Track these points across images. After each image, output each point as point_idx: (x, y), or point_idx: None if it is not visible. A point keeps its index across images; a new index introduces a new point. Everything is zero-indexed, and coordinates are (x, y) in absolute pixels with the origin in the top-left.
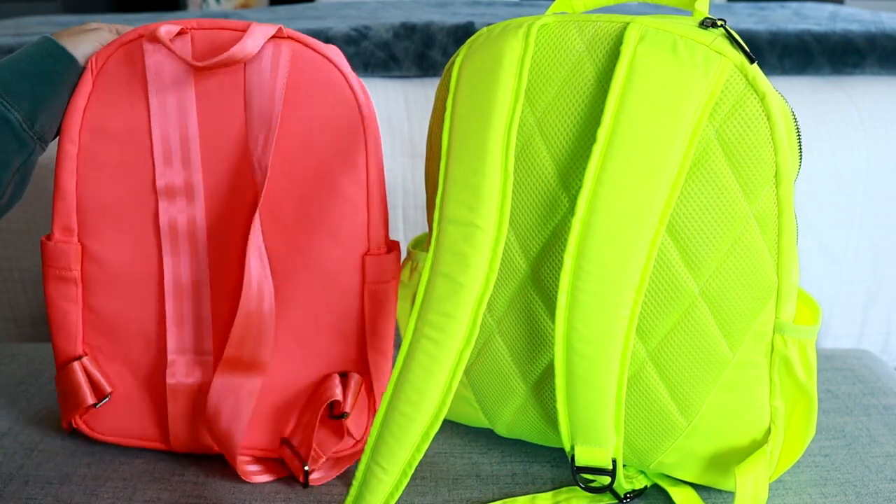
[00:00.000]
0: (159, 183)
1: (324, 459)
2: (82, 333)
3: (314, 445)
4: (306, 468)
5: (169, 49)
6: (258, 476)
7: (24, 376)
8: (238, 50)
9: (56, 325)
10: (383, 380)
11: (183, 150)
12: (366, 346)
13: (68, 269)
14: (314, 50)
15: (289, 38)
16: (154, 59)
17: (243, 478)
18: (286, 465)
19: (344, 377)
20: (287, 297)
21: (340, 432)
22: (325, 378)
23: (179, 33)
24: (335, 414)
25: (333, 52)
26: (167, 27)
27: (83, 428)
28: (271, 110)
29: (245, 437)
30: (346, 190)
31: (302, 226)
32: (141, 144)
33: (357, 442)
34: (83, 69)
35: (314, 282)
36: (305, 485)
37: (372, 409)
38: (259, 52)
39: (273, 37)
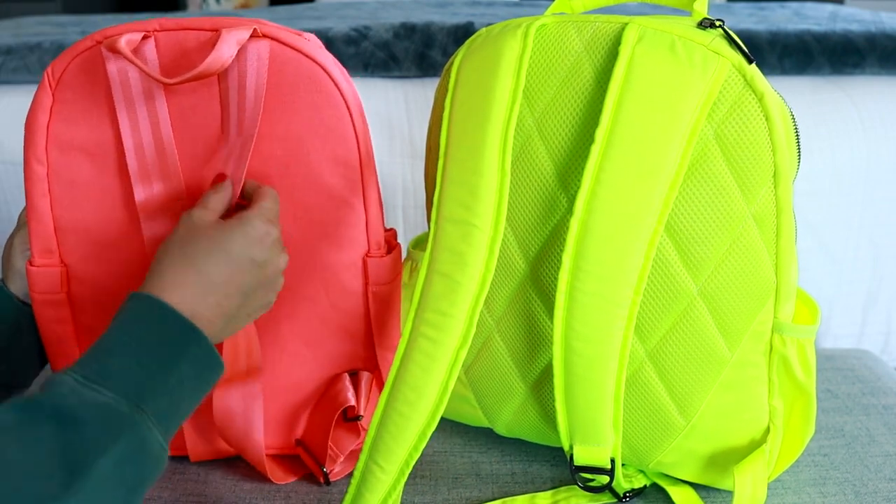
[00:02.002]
0: (138, 198)
1: (342, 459)
2: (81, 352)
3: (331, 444)
4: (324, 469)
5: (135, 64)
6: (285, 476)
7: None
8: (212, 62)
9: (53, 348)
10: None
11: (161, 162)
12: (373, 344)
13: (55, 292)
14: (293, 48)
15: (265, 36)
16: (116, 66)
17: (272, 478)
18: (304, 464)
19: (354, 375)
20: (292, 302)
21: (356, 431)
22: (336, 379)
23: (142, 38)
24: (350, 417)
25: (313, 44)
26: (129, 36)
27: None
28: (246, 121)
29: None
30: (341, 193)
31: (300, 231)
32: (113, 158)
33: None
34: (22, 304)
35: (317, 285)
36: (327, 483)
37: None
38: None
39: (250, 36)
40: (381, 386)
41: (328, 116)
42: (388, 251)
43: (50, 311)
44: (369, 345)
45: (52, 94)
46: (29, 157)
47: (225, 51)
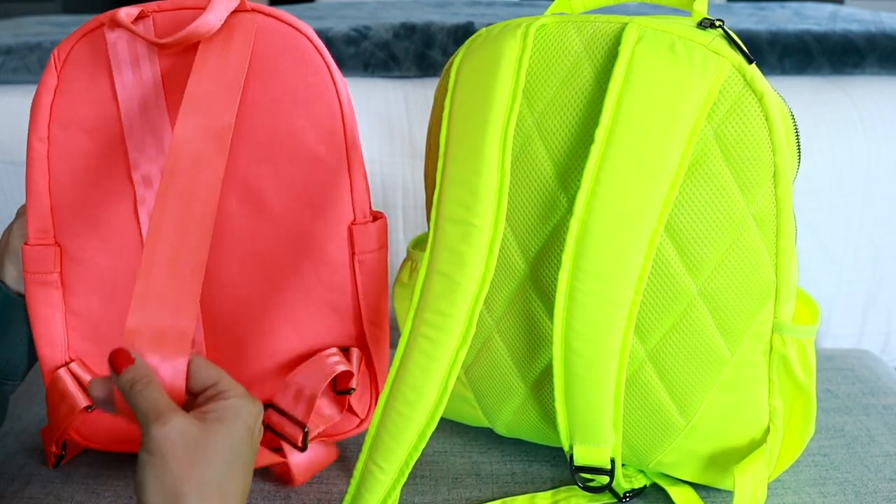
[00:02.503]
0: (135, 174)
1: (321, 429)
2: (68, 339)
3: (316, 408)
4: (306, 429)
5: (130, 30)
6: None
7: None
8: (200, 24)
9: (39, 333)
10: (382, 353)
11: (156, 136)
12: (361, 321)
13: (49, 272)
14: (280, 20)
15: (253, 10)
16: (117, 45)
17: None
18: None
19: (345, 351)
20: (275, 276)
21: (342, 404)
22: (323, 351)
23: (140, 17)
24: (341, 390)
25: (301, 23)
26: (127, 9)
27: (77, 439)
28: (234, 87)
29: None
30: (327, 161)
31: (284, 201)
32: (112, 134)
33: (361, 421)
34: (20, 296)
35: (301, 258)
36: (304, 448)
37: (373, 385)
38: (221, 27)
39: (236, 10)
40: (370, 363)
41: (312, 84)
42: (374, 219)
43: (41, 294)
44: (357, 321)
45: (58, 75)
46: (31, 137)
47: (213, 15)
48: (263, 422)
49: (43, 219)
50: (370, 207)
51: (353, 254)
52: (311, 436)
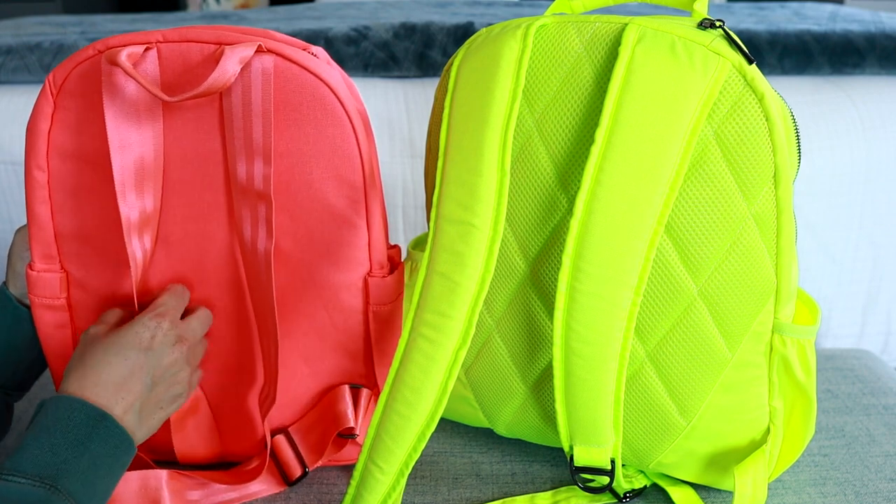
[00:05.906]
0: (131, 211)
1: (320, 462)
2: None
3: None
4: (307, 470)
5: (135, 80)
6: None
7: None
8: (214, 81)
9: (51, 351)
10: None
11: (155, 175)
12: (373, 363)
13: (55, 297)
14: (298, 64)
15: (269, 51)
16: (115, 77)
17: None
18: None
19: (355, 388)
20: (291, 319)
21: (341, 443)
22: (336, 392)
23: (144, 50)
24: (343, 433)
25: (320, 61)
26: (130, 49)
27: None
28: (260, 137)
29: (251, 448)
30: (344, 212)
31: (299, 249)
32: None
33: None
34: (22, 306)
35: (316, 304)
36: (291, 483)
37: None
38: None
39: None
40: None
41: (331, 135)
42: (391, 270)
43: (49, 316)
44: (368, 362)
45: (54, 102)
46: (30, 164)
47: (228, 68)
48: (272, 447)
49: (47, 245)
50: (388, 256)
51: (367, 304)
52: (309, 467)
